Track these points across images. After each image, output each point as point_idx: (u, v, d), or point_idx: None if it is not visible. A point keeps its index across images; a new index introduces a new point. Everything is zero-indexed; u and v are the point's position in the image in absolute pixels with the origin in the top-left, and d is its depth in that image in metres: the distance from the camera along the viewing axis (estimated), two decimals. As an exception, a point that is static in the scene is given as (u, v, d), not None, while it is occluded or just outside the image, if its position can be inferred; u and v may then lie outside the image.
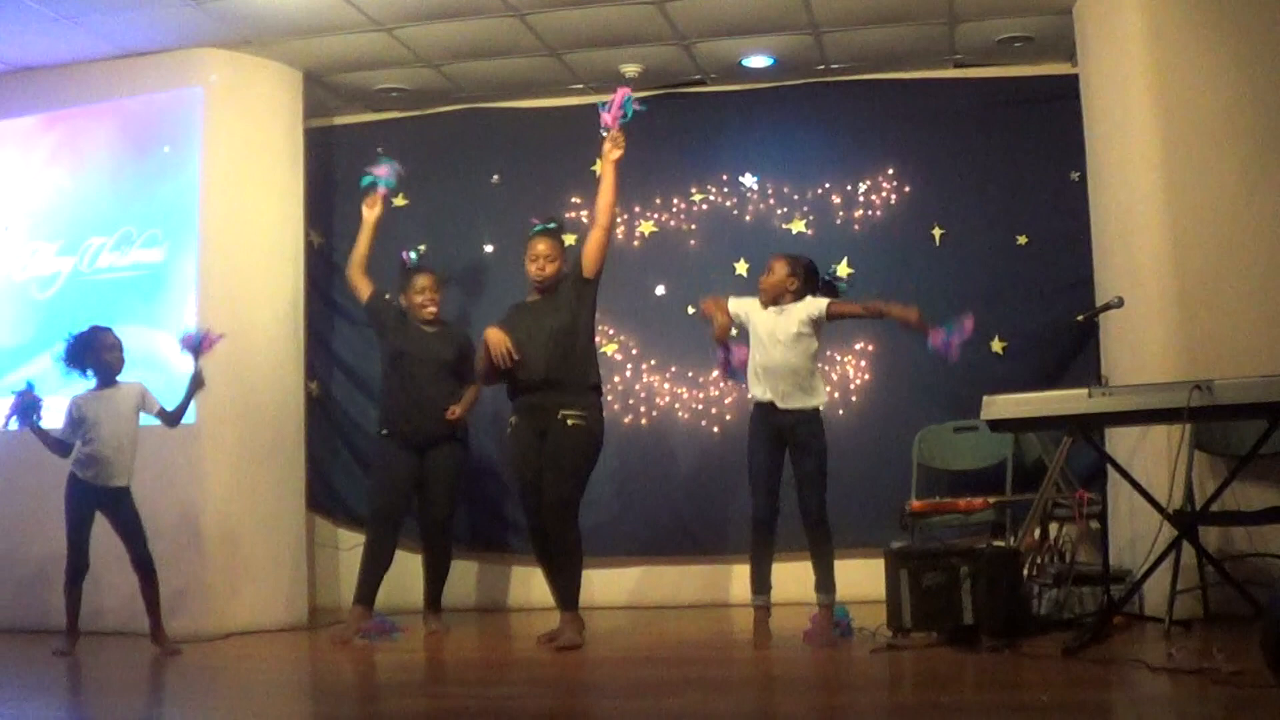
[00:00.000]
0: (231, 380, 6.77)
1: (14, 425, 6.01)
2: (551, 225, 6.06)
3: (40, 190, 7.25)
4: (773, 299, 5.57)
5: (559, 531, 5.75)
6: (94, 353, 5.94)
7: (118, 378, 5.98)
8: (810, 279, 5.60)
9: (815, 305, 5.49)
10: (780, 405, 5.46)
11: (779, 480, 5.53)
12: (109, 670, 5.55)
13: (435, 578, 6.53)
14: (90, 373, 5.97)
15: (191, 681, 5.20)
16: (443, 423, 6.34)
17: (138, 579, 5.94)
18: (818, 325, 5.50)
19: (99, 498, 5.90)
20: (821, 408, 5.53)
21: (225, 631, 6.49)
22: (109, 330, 6.02)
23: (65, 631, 5.86)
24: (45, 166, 7.26)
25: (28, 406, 5.92)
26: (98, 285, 7.02)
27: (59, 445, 5.97)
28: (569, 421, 5.73)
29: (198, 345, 5.99)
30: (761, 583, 5.55)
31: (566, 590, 5.76)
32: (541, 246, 5.92)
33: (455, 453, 6.48)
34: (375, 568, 6.36)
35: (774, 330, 5.51)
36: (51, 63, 7.05)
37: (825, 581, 5.49)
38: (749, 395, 5.63)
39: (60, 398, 6.95)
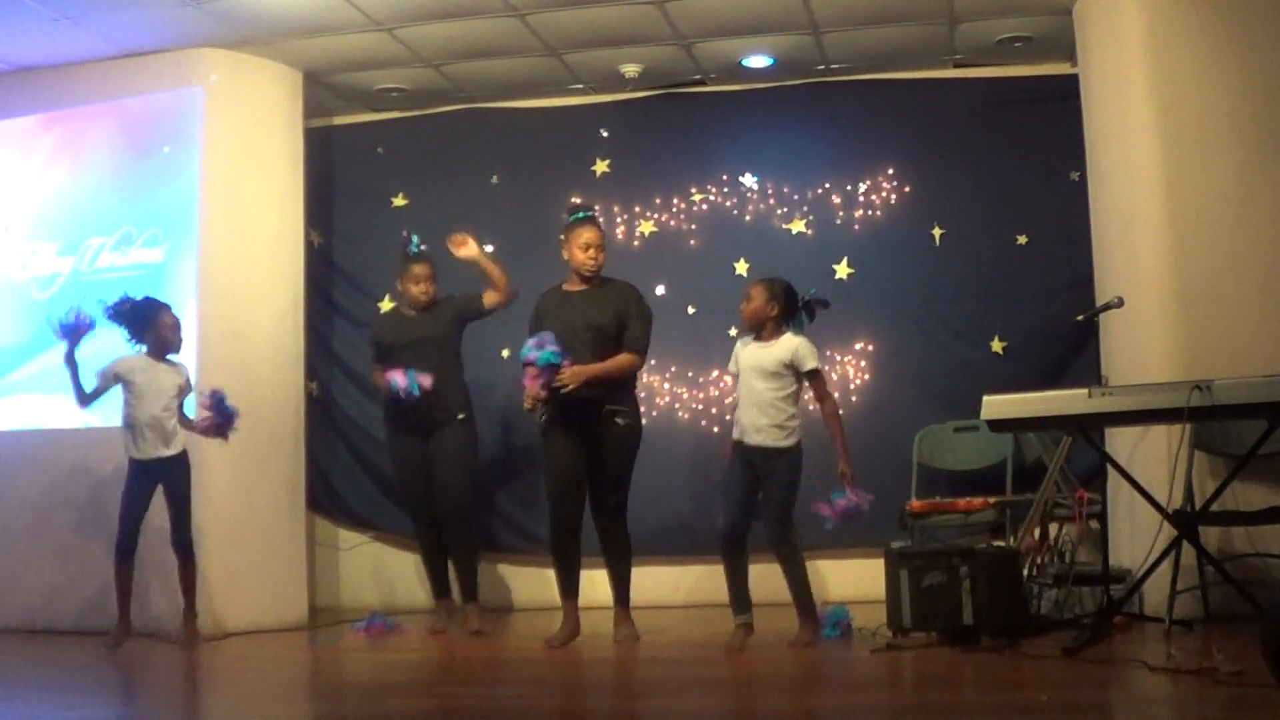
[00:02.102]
0: (231, 380, 6.75)
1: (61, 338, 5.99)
2: (592, 211, 5.96)
3: (40, 190, 7.25)
4: (755, 326, 5.45)
5: (618, 533, 5.79)
6: (154, 328, 6.03)
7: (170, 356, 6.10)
8: (790, 302, 5.45)
9: (802, 357, 5.34)
10: (749, 441, 5.35)
11: (750, 501, 5.40)
12: (110, 670, 5.55)
13: (459, 567, 6.45)
14: (140, 343, 6.05)
15: (191, 681, 5.20)
16: (441, 404, 6.31)
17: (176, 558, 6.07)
18: (797, 374, 5.37)
19: (151, 471, 5.96)
20: (793, 448, 5.34)
21: (225, 631, 6.49)
22: (170, 308, 6.13)
23: (117, 619, 5.96)
24: (45, 166, 7.26)
25: (77, 326, 5.96)
26: (98, 285, 7.01)
27: (78, 388, 6.01)
28: (618, 420, 5.68)
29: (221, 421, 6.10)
30: (739, 602, 5.36)
31: (624, 587, 5.82)
32: (590, 235, 5.76)
33: (460, 433, 6.40)
34: (432, 562, 6.56)
35: (756, 362, 5.40)
36: (51, 63, 7.06)
37: (802, 603, 5.37)
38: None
39: (63, 397, 6.98)
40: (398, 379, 6.17)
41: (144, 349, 6.11)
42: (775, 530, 5.36)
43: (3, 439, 7.05)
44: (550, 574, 7.16)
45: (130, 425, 6.00)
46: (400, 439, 6.44)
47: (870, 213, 7.43)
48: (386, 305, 7.58)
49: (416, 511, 6.53)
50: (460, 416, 6.40)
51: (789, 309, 5.45)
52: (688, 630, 6.33)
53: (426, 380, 6.16)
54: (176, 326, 6.13)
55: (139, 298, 6.12)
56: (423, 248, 6.54)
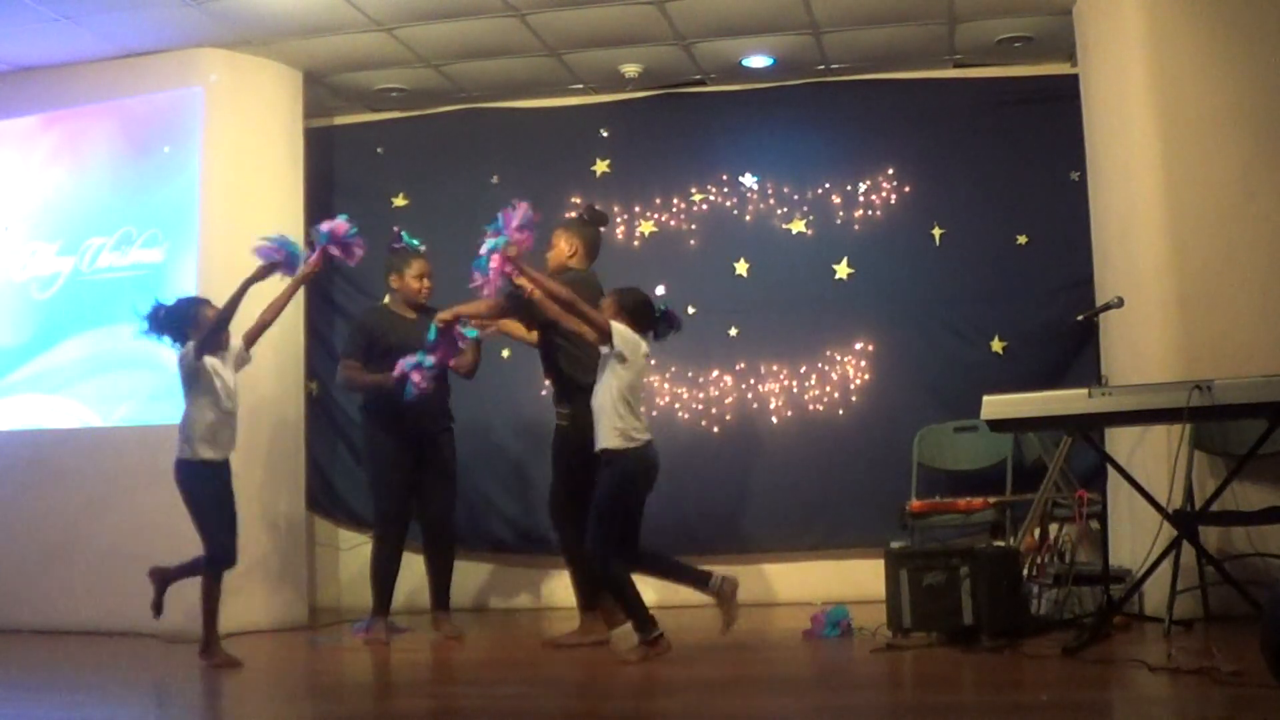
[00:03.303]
0: (231, 380, 6.77)
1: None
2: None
3: (40, 190, 7.26)
4: (605, 338, 5.25)
5: (559, 536, 5.79)
6: (198, 326, 5.53)
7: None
8: (640, 315, 5.25)
9: (615, 330, 5.12)
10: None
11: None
12: (109, 671, 5.55)
13: (444, 576, 6.31)
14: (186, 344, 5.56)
15: (191, 681, 5.20)
16: (439, 412, 6.25)
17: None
18: (612, 355, 5.12)
19: (221, 471, 5.53)
20: (618, 452, 5.11)
21: (225, 632, 6.47)
22: (208, 301, 5.68)
23: (205, 635, 5.47)
24: (45, 166, 7.27)
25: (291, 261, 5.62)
26: (98, 285, 7.02)
27: (214, 338, 5.48)
28: (558, 423, 5.73)
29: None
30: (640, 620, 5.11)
31: (577, 591, 5.77)
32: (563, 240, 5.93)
33: (451, 442, 6.34)
34: (393, 574, 6.24)
35: (600, 367, 5.26)
36: (51, 63, 7.05)
37: (631, 618, 5.14)
38: None
39: (62, 397, 6.98)
40: (408, 370, 5.84)
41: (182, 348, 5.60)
42: (590, 544, 5.16)
43: (3, 439, 7.05)
44: (551, 575, 7.19)
45: (211, 425, 5.48)
46: (391, 446, 6.20)
47: (870, 213, 7.43)
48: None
49: (398, 524, 6.24)
50: (450, 425, 6.35)
51: (638, 321, 5.24)
52: (687, 630, 6.33)
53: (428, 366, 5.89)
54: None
55: (171, 301, 5.70)
56: (415, 242, 6.44)
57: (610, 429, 5.11)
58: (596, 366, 5.42)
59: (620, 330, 5.12)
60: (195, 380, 5.48)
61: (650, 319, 5.31)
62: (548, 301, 5.31)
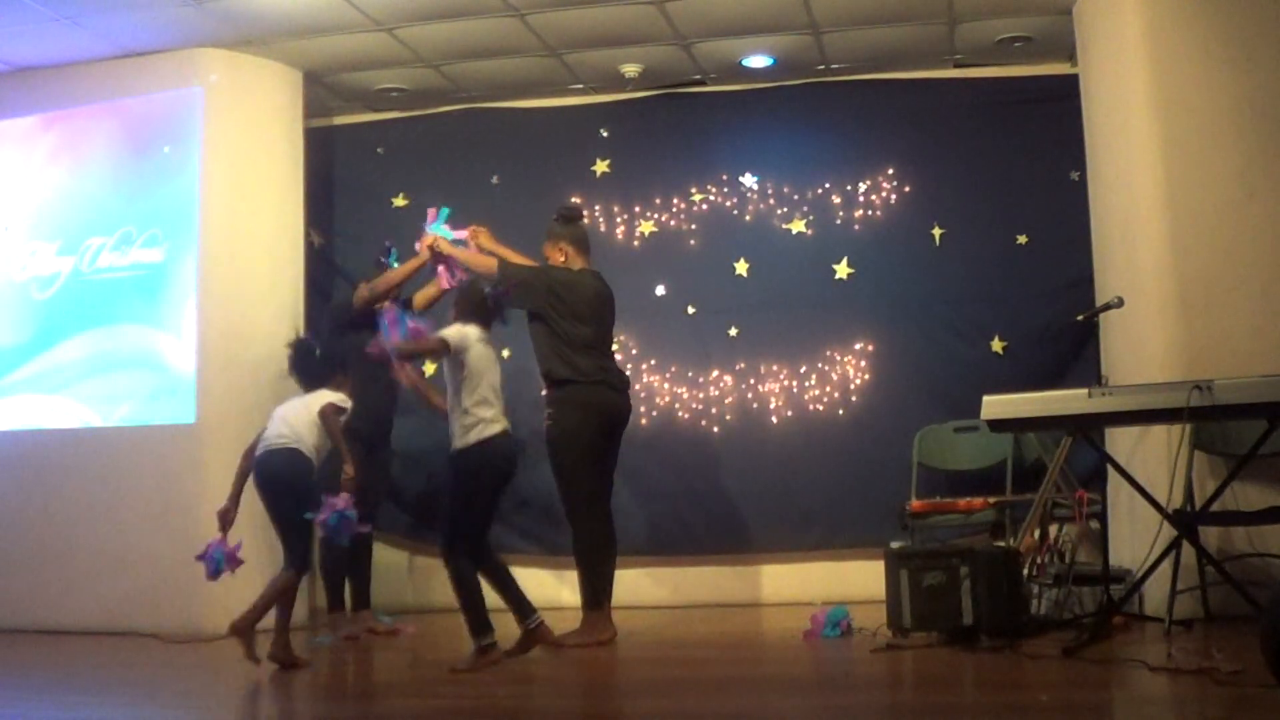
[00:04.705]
0: (231, 380, 6.76)
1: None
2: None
3: (40, 190, 7.26)
4: None
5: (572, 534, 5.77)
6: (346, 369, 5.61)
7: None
8: (470, 306, 5.27)
9: (446, 333, 5.17)
10: None
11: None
12: (109, 671, 5.55)
13: (367, 576, 6.52)
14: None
15: (192, 681, 5.20)
16: (389, 419, 6.48)
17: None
18: (461, 364, 5.10)
19: None
20: (460, 451, 5.08)
21: (225, 632, 6.47)
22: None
23: (252, 617, 5.26)
24: (45, 166, 7.27)
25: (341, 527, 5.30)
26: (98, 285, 7.02)
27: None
28: (545, 423, 5.75)
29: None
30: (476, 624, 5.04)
31: (582, 591, 5.73)
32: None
33: (390, 448, 6.60)
34: (345, 571, 6.42)
35: None
36: (51, 63, 7.06)
37: (467, 621, 5.05)
38: None
39: (62, 397, 6.97)
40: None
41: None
42: (440, 543, 5.12)
43: (3, 439, 7.04)
44: (545, 575, 7.17)
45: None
46: (362, 445, 6.24)
47: (870, 213, 7.43)
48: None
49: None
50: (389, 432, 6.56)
51: (471, 315, 5.23)
52: (687, 630, 6.33)
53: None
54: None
55: (320, 345, 5.79)
56: (396, 264, 6.54)
57: (457, 424, 5.11)
58: (572, 361, 5.52)
59: (448, 333, 5.15)
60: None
61: (482, 309, 5.28)
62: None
